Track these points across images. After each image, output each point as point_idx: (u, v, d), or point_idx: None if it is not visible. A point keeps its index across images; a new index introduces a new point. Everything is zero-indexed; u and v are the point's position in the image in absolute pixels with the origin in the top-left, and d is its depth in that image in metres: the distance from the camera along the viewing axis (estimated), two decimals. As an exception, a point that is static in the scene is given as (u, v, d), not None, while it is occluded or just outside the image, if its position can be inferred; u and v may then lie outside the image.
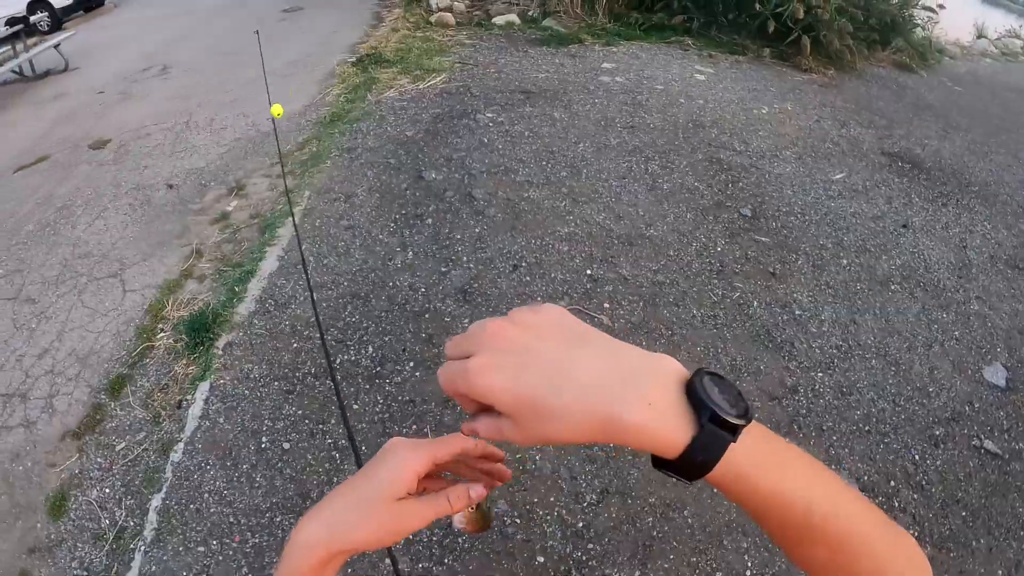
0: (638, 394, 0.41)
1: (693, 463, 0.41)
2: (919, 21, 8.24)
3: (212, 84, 7.60)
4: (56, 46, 10.28)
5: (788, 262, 3.91)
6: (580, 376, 0.42)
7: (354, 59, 7.27)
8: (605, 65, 6.58)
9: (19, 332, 4.00)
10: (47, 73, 10.38)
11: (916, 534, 2.56)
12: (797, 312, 3.56)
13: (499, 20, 8.23)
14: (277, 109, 3.88)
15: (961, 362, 3.46)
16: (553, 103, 5.65)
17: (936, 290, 3.92)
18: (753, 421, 0.42)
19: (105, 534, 2.85)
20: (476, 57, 6.99)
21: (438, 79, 6.29)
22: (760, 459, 0.42)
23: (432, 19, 8.45)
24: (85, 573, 2.76)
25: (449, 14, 8.48)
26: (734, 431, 0.41)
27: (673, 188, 4.47)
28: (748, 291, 3.66)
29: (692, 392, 0.41)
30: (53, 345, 3.84)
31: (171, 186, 5.06)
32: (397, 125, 5.44)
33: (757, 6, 7.13)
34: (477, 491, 0.54)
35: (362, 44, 7.93)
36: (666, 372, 0.43)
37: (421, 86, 6.18)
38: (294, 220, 3.41)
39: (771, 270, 3.83)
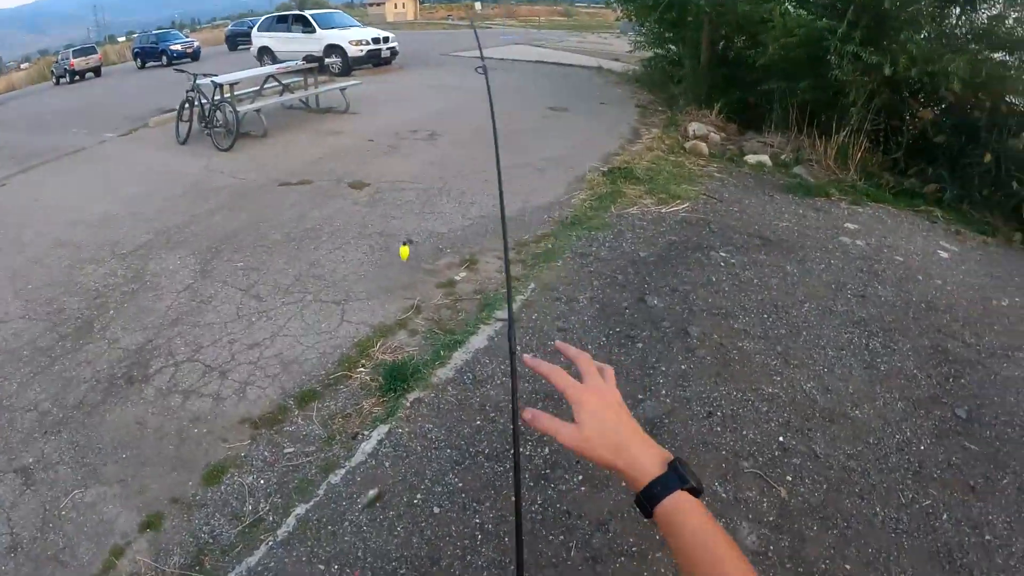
0: (648, 447, 0.73)
1: (652, 492, 0.68)
2: None
3: (473, 161, 8.47)
4: (342, 90, 12.37)
5: (993, 479, 3.52)
6: (628, 427, 0.75)
7: (605, 169, 7.78)
8: (848, 225, 6.35)
9: (239, 320, 4.67)
10: (328, 110, 12.47)
11: None
12: (987, 537, 3.18)
13: (751, 159, 8.38)
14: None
15: None
16: (788, 255, 5.56)
17: None
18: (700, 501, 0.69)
19: (243, 517, 3.17)
20: (722, 192, 7.14)
21: (681, 206, 6.51)
22: (691, 508, 0.68)
23: (687, 145, 8.82)
24: (211, 540, 3.07)
25: (704, 144, 8.81)
26: (684, 483, 0.68)
27: (890, 371, 4.18)
28: (941, 501, 3.35)
29: (672, 462, 0.71)
30: (264, 342, 4.44)
31: (410, 241, 5.66)
32: (633, 243, 5.67)
33: (1015, 184, 6.67)
34: None
35: (616, 156, 8.50)
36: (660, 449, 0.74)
37: (664, 210, 6.43)
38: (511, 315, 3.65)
39: (972, 483, 3.48)
